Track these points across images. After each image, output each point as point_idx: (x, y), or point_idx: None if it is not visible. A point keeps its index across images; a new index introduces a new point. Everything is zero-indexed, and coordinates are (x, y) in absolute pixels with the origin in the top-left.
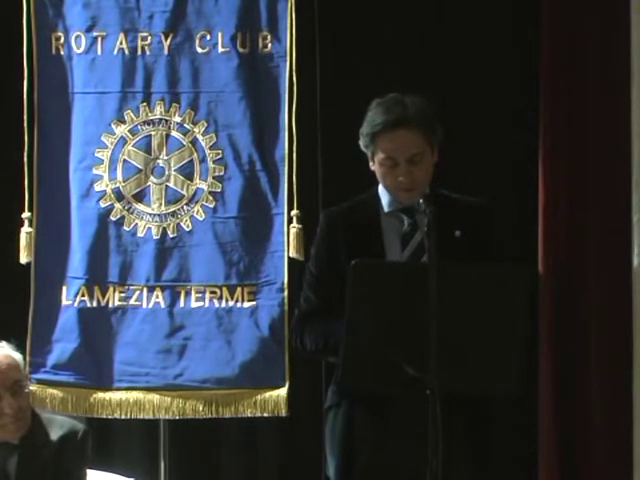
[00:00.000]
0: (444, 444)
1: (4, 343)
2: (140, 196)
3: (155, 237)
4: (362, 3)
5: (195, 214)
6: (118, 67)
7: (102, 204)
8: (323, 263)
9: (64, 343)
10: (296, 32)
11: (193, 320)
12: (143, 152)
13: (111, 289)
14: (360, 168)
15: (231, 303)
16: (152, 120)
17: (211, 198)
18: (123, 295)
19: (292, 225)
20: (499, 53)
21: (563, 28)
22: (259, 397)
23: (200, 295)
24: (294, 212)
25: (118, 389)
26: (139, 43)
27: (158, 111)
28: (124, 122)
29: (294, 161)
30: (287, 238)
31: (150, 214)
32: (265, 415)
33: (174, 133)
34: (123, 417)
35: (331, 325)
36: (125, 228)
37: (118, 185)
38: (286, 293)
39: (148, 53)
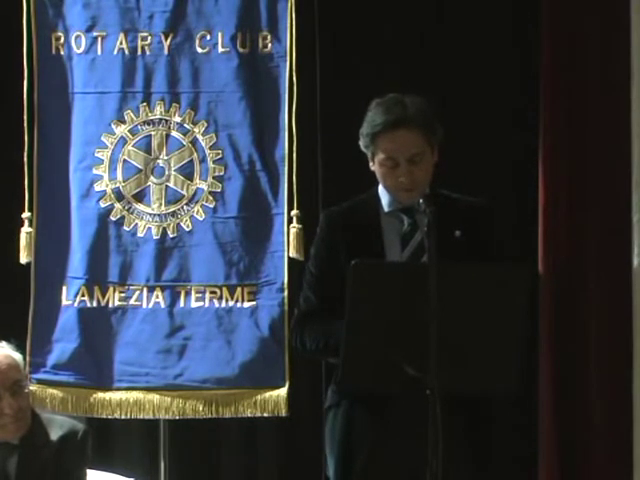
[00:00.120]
0: (444, 444)
1: (4, 343)
2: (140, 196)
3: (155, 237)
4: (362, 3)
5: (195, 214)
6: (118, 67)
7: (102, 204)
8: (323, 263)
9: (64, 343)
10: (296, 32)
11: (193, 320)
12: (143, 152)
13: (111, 289)
14: (360, 168)
15: (231, 303)
16: (152, 120)
17: (211, 198)
18: (123, 295)
19: (292, 225)
20: (499, 53)
21: (563, 28)
22: (259, 397)
23: (200, 295)
24: (294, 212)
25: (118, 389)
26: (139, 43)
27: (158, 111)
28: (124, 122)
29: (294, 161)
30: (287, 238)
31: (150, 214)
32: (265, 415)
33: (174, 133)
34: (123, 417)
35: (331, 325)
36: (125, 228)
37: (118, 185)
38: (286, 293)
39: (148, 53)
